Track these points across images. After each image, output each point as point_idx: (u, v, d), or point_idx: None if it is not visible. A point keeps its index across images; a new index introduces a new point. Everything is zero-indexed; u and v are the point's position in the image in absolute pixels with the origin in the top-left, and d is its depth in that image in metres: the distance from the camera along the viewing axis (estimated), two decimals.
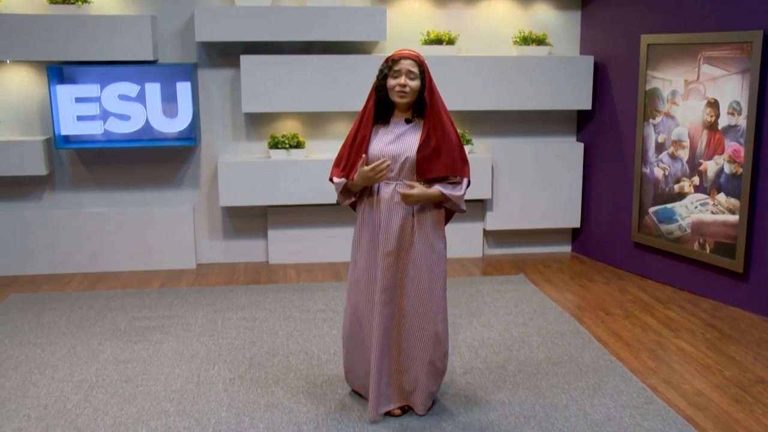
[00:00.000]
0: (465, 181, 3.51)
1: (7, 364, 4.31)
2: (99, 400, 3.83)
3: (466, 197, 6.14)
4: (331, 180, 3.57)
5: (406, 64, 3.37)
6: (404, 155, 3.42)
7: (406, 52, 3.43)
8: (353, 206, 3.65)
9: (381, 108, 3.50)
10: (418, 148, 3.38)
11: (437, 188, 3.43)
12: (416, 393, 3.61)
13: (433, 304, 3.51)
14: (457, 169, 3.46)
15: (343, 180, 3.51)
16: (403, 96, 3.40)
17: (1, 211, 6.10)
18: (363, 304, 3.57)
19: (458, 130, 3.53)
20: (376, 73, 3.48)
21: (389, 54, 6.14)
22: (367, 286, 3.54)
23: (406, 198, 3.40)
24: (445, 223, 3.62)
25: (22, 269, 6.10)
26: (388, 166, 3.40)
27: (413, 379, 3.59)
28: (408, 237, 3.48)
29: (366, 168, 3.39)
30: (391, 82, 3.40)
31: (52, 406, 3.78)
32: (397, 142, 3.44)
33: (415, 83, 3.38)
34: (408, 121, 3.48)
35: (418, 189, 3.39)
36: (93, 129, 5.90)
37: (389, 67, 3.41)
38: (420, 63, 3.41)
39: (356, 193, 3.57)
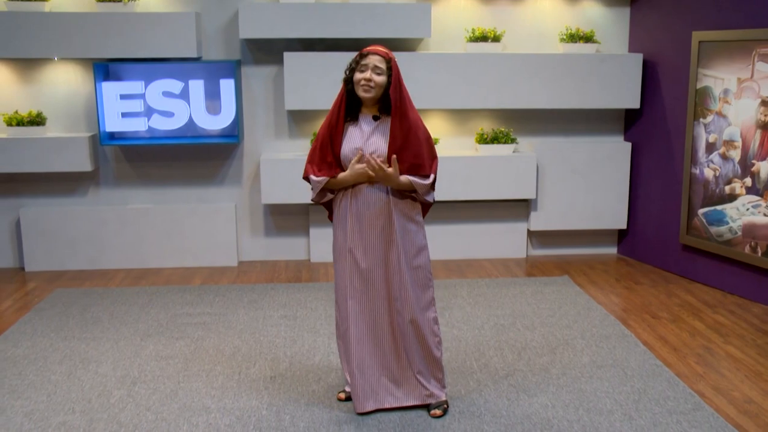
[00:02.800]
0: (432, 177, 3.52)
1: (53, 357, 4.36)
2: (141, 396, 3.85)
3: (506, 197, 6.17)
4: (306, 179, 3.57)
5: (374, 59, 3.41)
6: (375, 153, 3.45)
7: (374, 48, 3.47)
8: (326, 205, 3.68)
9: (350, 104, 3.51)
10: (389, 145, 3.43)
11: (407, 178, 3.46)
12: (419, 383, 3.65)
13: (404, 292, 3.53)
14: (425, 165, 3.48)
15: (324, 179, 3.50)
16: (368, 90, 3.42)
17: (48, 206, 6.18)
18: (343, 299, 3.61)
19: (426, 127, 3.58)
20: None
21: (434, 51, 6.18)
22: (350, 280, 3.57)
23: (380, 172, 3.40)
24: (423, 215, 3.66)
25: (68, 264, 6.17)
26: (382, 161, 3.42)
27: (405, 369, 3.63)
28: (386, 228, 3.52)
29: (358, 166, 3.43)
30: (357, 75, 3.44)
31: (96, 401, 3.81)
32: (365, 141, 3.48)
33: (380, 78, 3.41)
34: (376, 118, 3.51)
35: (391, 170, 3.42)
36: (137, 126, 5.95)
37: (357, 61, 3.45)
38: (388, 60, 3.44)
39: (333, 190, 3.59)
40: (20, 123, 5.92)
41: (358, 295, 3.56)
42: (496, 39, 6.13)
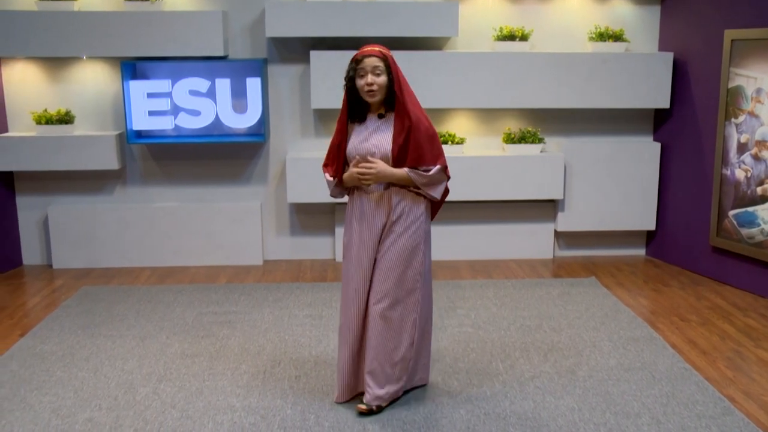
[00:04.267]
0: (437, 167, 3.50)
1: (80, 354, 4.38)
2: (167, 393, 3.86)
3: (533, 197, 6.12)
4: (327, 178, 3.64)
5: (370, 62, 3.41)
6: (377, 150, 3.49)
7: (368, 49, 3.46)
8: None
9: (357, 107, 3.54)
10: (393, 141, 3.45)
11: (404, 170, 3.46)
12: (365, 383, 3.66)
13: (385, 287, 3.54)
14: (428, 158, 3.48)
15: (333, 180, 3.60)
16: (373, 94, 3.45)
17: (75, 204, 6.23)
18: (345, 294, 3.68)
19: (431, 122, 3.59)
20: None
21: (460, 50, 6.14)
22: (346, 276, 3.64)
23: (365, 177, 3.44)
24: (432, 217, 3.67)
25: (95, 262, 6.21)
26: (367, 164, 3.45)
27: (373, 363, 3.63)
28: (383, 225, 3.54)
29: (354, 170, 3.48)
30: (358, 82, 3.46)
31: (122, 398, 3.82)
32: (371, 139, 3.51)
33: (381, 79, 3.42)
34: (381, 116, 3.52)
35: (380, 166, 3.44)
36: (164, 124, 5.97)
37: (353, 67, 3.45)
38: (384, 57, 3.43)
39: (349, 188, 3.66)
40: (49, 121, 5.97)
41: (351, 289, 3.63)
42: (523, 38, 6.09)
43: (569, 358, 4.29)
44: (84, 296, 5.43)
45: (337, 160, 3.58)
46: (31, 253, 6.34)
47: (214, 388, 3.92)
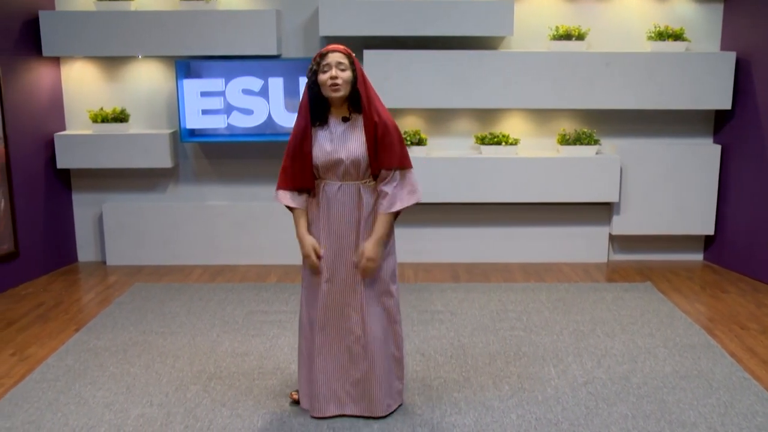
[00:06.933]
0: (397, 173, 3.40)
1: (132, 351, 4.43)
2: (217, 392, 3.87)
3: (587, 200, 6.01)
4: (279, 191, 3.50)
5: (335, 57, 3.33)
6: (346, 157, 3.37)
7: (332, 46, 3.38)
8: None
9: (317, 108, 3.41)
10: (358, 148, 3.35)
11: (381, 220, 3.39)
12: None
13: (356, 302, 3.50)
14: (396, 160, 3.37)
15: (289, 208, 3.48)
16: (337, 89, 3.32)
17: (129, 202, 6.31)
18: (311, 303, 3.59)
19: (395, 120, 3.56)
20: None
21: (515, 50, 6.06)
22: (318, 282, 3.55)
23: (368, 271, 3.43)
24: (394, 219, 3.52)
25: (147, 260, 6.28)
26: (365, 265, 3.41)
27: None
28: (356, 231, 3.46)
29: (310, 257, 3.43)
30: (322, 77, 3.34)
31: (173, 394, 3.84)
32: (338, 145, 3.38)
33: (346, 74, 3.33)
34: (345, 120, 3.41)
35: (370, 247, 3.39)
36: (217, 123, 6.01)
37: (318, 62, 3.36)
38: (348, 55, 3.36)
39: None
40: (105, 120, 6.05)
41: (324, 299, 3.52)
42: (580, 37, 5.99)
43: (623, 365, 4.22)
44: (136, 293, 5.49)
45: (295, 166, 3.42)
46: (85, 250, 6.44)
47: (263, 387, 3.92)
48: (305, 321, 3.58)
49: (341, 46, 3.39)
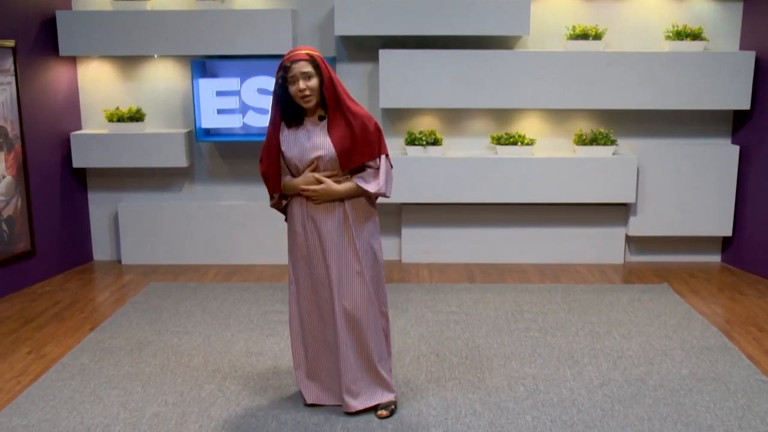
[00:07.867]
0: (382, 158, 3.48)
1: (147, 350, 4.43)
2: (231, 391, 3.88)
3: (604, 200, 5.97)
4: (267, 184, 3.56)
5: (298, 67, 3.33)
6: (319, 154, 3.42)
7: (295, 54, 3.37)
8: (283, 210, 3.70)
9: (293, 111, 3.46)
10: (335, 144, 3.40)
11: (353, 182, 3.46)
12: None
13: (351, 292, 3.54)
14: (375, 151, 3.45)
15: (274, 197, 3.57)
16: (308, 100, 3.38)
17: (144, 201, 6.32)
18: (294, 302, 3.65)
19: (372, 115, 3.53)
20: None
21: (532, 49, 6.03)
22: (300, 279, 3.61)
23: (313, 197, 3.45)
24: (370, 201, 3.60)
25: (162, 259, 6.29)
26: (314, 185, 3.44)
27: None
28: (336, 234, 3.50)
29: (298, 181, 3.45)
30: (291, 89, 3.38)
31: (188, 394, 3.85)
32: (311, 142, 3.43)
33: (313, 82, 3.36)
34: (321, 118, 3.46)
35: (325, 185, 3.42)
36: (232, 122, 6.02)
37: (283, 76, 3.38)
38: (312, 59, 3.36)
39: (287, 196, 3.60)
40: (121, 119, 6.07)
41: (309, 297, 3.59)
42: (597, 37, 5.95)
43: (639, 366, 4.19)
44: (151, 292, 5.50)
45: (271, 161, 3.51)
46: (101, 249, 6.46)
47: (278, 387, 3.92)
48: (294, 322, 3.68)
49: (303, 51, 3.39)
